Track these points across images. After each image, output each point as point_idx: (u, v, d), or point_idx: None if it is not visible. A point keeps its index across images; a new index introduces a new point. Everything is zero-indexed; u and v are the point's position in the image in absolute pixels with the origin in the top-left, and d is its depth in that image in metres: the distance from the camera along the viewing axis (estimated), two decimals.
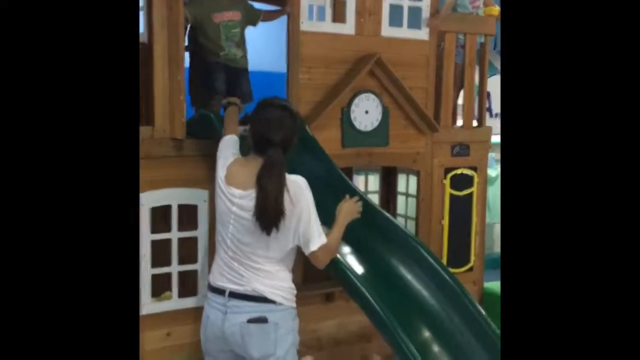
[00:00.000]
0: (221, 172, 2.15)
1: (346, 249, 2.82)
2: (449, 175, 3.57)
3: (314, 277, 3.18)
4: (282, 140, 2.07)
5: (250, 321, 2.05)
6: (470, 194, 3.65)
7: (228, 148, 2.22)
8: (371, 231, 2.80)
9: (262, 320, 2.05)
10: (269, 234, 2.01)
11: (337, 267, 2.43)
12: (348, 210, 2.26)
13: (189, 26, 2.85)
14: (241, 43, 2.95)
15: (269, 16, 3.16)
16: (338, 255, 2.46)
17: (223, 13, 2.86)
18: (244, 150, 2.29)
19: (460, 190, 3.61)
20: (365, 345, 3.32)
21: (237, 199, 2.07)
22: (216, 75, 2.82)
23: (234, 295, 2.08)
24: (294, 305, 2.18)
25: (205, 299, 2.23)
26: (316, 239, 2.08)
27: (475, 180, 3.67)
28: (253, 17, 3.06)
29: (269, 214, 1.98)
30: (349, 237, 2.70)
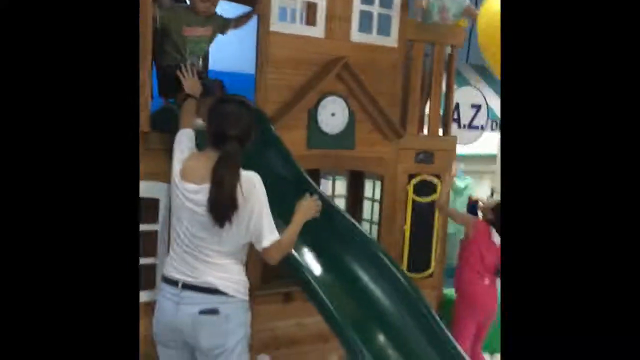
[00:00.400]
0: (177, 166, 2.17)
1: (305, 250, 2.84)
2: (413, 181, 3.63)
3: (272, 276, 3.21)
4: (238, 134, 2.09)
5: (202, 312, 2.07)
6: (434, 201, 3.71)
7: (184, 142, 2.24)
8: (331, 233, 2.83)
9: (214, 311, 2.07)
10: (222, 226, 2.03)
11: (294, 268, 2.46)
12: (306, 208, 2.29)
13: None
14: (204, 56, 2.98)
15: (239, 22, 3.19)
16: (297, 256, 2.49)
17: (195, 28, 2.89)
18: (202, 144, 2.31)
19: (424, 197, 3.67)
20: (323, 346, 3.34)
21: (191, 194, 2.09)
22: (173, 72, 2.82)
23: (186, 286, 2.10)
24: (246, 298, 2.20)
25: (159, 290, 2.24)
26: (268, 235, 2.10)
27: (438, 188, 3.73)
28: (223, 27, 3.09)
29: (222, 206, 2.00)
30: (308, 237, 2.73)
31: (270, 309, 3.22)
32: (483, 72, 7.72)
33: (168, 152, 2.81)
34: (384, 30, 3.39)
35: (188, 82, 2.59)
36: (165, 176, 2.83)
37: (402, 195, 3.63)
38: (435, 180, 3.72)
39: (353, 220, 2.93)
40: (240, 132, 2.09)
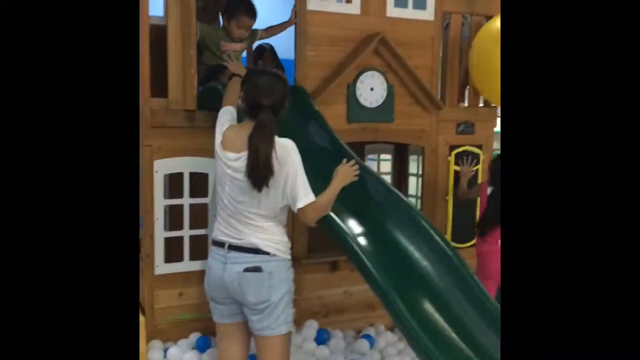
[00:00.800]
0: (218, 138, 2.32)
1: (350, 219, 2.93)
2: (454, 152, 3.69)
3: (319, 246, 3.35)
4: (272, 104, 2.21)
5: (246, 270, 2.23)
6: (476, 171, 3.75)
7: (224, 116, 2.39)
8: (374, 203, 2.91)
9: (258, 269, 2.23)
10: (259, 191, 2.17)
11: (340, 236, 2.55)
12: (343, 173, 2.40)
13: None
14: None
15: (269, 31, 3.38)
16: (342, 225, 2.57)
17: (232, 44, 3.13)
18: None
19: (463, 166, 3.71)
20: (369, 314, 3.46)
21: (231, 162, 2.24)
22: (216, 70, 3.02)
23: (232, 247, 2.25)
24: (288, 257, 2.34)
25: (209, 252, 2.40)
26: (302, 197, 2.22)
27: (481, 157, 3.77)
28: (253, 39, 3.34)
29: (259, 172, 2.15)
30: (352, 207, 2.83)
31: (317, 278, 3.36)
32: None
33: (213, 129, 2.99)
34: (419, 3, 3.44)
35: (232, 65, 2.75)
36: (211, 152, 3.01)
37: (444, 167, 3.69)
38: (476, 151, 3.76)
39: (397, 191, 3.00)
40: (274, 101, 2.21)
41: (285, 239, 2.34)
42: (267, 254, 2.26)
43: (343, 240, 2.52)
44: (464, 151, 3.71)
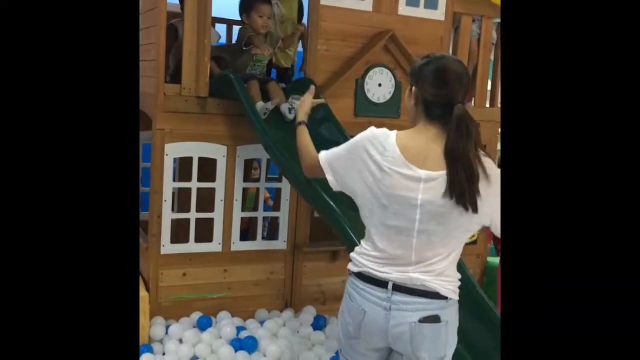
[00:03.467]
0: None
1: (352, 214, 3.02)
2: None
3: (320, 236, 3.44)
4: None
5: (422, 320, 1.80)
6: None
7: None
8: None
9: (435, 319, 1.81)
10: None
11: (340, 228, 2.63)
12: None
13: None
14: (264, 69, 3.31)
15: (285, 41, 3.44)
16: (343, 217, 2.62)
17: (263, 46, 3.17)
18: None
19: None
20: None
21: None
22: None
23: (398, 289, 1.83)
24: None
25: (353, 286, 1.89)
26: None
27: None
28: (276, 44, 3.36)
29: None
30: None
31: (317, 266, 3.45)
32: None
33: (225, 117, 3.10)
34: (431, 3, 3.52)
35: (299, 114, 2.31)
36: (222, 139, 3.12)
37: None
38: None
39: None
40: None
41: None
42: (445, 298, 1.81)
43: (345, 234, 2.61)
44: None
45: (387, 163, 1.72)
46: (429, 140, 1.74)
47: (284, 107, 3.01)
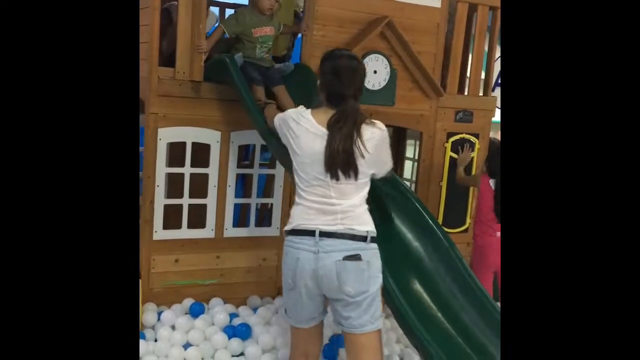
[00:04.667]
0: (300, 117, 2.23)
1: None
2: (451, 139, 3.76)
3: None
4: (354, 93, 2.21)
5: (346, 259, 2.14)
6: (471, 159, 3.83)
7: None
8: (380, 191, 2.98)
9: (357, 257, 2.15)
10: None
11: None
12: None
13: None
14: (270, 50, 3.18)
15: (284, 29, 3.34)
16: None
17: (262, 28, 3.07)
18: None
19: (460, 154, 3.79)
20: None
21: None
22: (250, 69, 2.99)
23: (325, 234, 2.17)
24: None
25: (287, 242, 2.24)
26: None
27: (477, 146, 3.84)
28: (279, 28, 3.23)
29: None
30: None
31: None
32: None
33: (219, 102, 3.06)
34: None
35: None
36: (216, 124, 3.08)
37: (440, 153, 3.76)
38: (473, 139, 3.83)
39: (399, 178, 3.07)
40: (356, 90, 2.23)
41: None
42: (364, 240, 2.18)
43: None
44: (461, 139, 3.79)
45: (303, 127, 2.18)
46: (327, 117, 2.16)
47: None
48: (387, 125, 3.86)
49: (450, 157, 3.79)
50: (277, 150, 2.66)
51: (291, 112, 2.25)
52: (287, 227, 2.24)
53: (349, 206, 2.17)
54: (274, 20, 3.12)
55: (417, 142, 3.83)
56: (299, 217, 2.20)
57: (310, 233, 2.15)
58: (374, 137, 2.19)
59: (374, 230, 2.21)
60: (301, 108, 2.24)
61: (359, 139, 2.13)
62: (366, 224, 2.20)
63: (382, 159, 2.26)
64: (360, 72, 2.24)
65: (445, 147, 3.77)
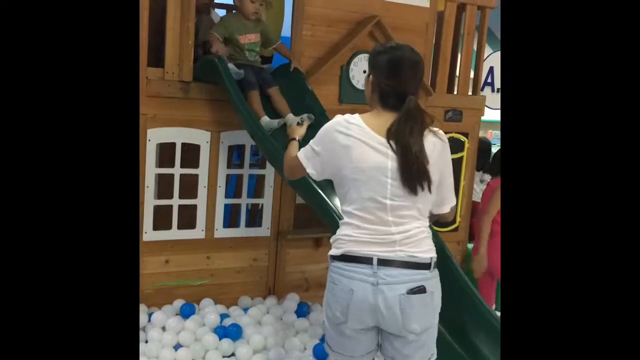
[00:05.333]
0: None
1: (335, 197, 3.02)
2: None
3: (304, 223, 3.43)
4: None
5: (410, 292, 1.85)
6: (460, 158, 3.85)
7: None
8: None
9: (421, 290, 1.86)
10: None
11: (326, 215, 2.62)
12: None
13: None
14: (260, 54, 3.16)
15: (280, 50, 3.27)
16: (330, 203, 2.62)
17: (247, 35, 3.05)
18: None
19: (452, 154, 3.80)
20: None
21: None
22: (247, 71, 2.97)
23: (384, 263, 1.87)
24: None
25: (336, 270, 1.90)
26: None
27: (466, 145, 3.86)
28: (267, 42, 3.17)
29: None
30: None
31: (300, 253, 3.45)
32: None
33: (209, 102, 3.05)
34: None
35: (291, 130, 2.37)
36: (206, 124, 3.08)
37: None
38: (462, 138, 3.85)
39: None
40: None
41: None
42: (428, 268, 1.87)
43: (329, 217, 2.60)
44: (449, 138, 3.79)
45: (353, 138, 1.81)
46: (384, 123, 1.82)
47: (292, 121, 2.81)
48: None
49: None
50: (271, 156, 2.68)
51: (335, 122, 1.86)
52: (335, 252, 1.90)
53: (408, 230, 1.85)
54: (260, 26, 3.10)
55: None
56: (350, 242, 1.86)
57: (367, 260, 1.83)
58: (435, 148, 1.85)
59: (436, 255, 1.92)
60: (347, 115, 1.87)
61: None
62: (429, 250, 1.89)
63: (445, 184, 1.91)
64: (422, 67, 1.91)
65: None
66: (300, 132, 2.29)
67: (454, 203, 1.99)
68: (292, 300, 3.25)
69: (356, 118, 1.85)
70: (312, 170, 1.93)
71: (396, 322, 1.84)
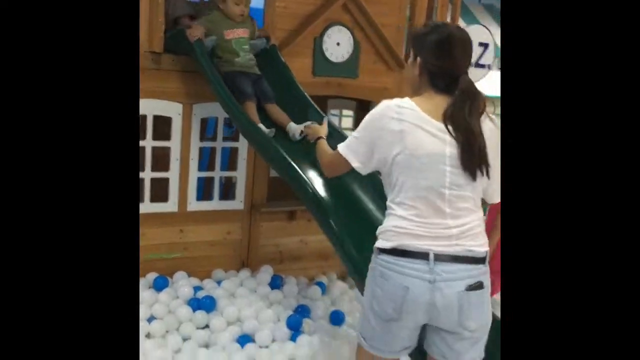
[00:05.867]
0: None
1: (311, 172, 3.02)
2: None
3: (278, 196, 3.44)
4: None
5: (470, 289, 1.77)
6: None
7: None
8: None
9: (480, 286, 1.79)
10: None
11: (301, 186, 2.64)
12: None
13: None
14: (251, 51, 3.02)
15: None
16: (303, 175, 2.63)
17: (234, 30, 2.94)
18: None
19: None
20: (323, 263, 3.58)
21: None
22: (241, 80, 2.87)
23: (442, 259, 1.77)
24: None
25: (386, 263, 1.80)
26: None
27: None
28: (253, 33, 3.08)
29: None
30: (315, 160, 2.93)
31: (275, 226, 3.46)
32: (493, 11, 7.71)
33: (181, 74, 3.02)
34: None
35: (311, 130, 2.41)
36: (178, 96, 3.04)
37: None
38: None
39: None
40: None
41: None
42: (484, 262, 1.80)
43: (303, 189, 2.62)
44: None
45: (407, 121, 1.70)
46: (437, 106, 1.72)
47: (295, 130, 2.81)
48: (351, 99, 3.94)
49: None
50: (254, 140, 2.68)
51: (385, 107, 1.76)
52: (384, 245, 1.79)
53: (466, 224, 1.77)
54: (247, 22, 3.01)
55: None
56: (403, 234, 1.76)
57: (422, 255, 1.73)
58: (492, 135, 1.76)
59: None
60: (396, 99, 1.77)
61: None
62: (485, 244, 1.81)
63: (497, 175, 1.78)
64: (471, 45, 1.81)
65: None
66: (324, 130, 2.27)
67: (499, 193, 1.84)
68: (266, 273, 3.26)
69: (408, 102, 1.75)
70: (358, 164, 1.83)
71: (452, 319, 1.76)
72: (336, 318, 2.97)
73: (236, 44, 2.93)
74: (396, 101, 1.76)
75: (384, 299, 1.78)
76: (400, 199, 1.77)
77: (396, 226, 1.76)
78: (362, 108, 4.15)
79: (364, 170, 1.85)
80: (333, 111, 4.41)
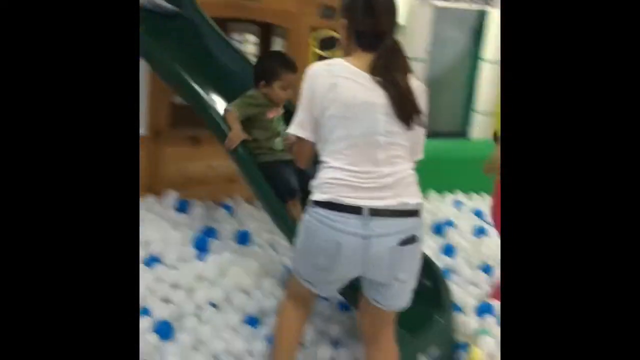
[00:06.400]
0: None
1: (214, 95, 3.02)
2: (314, 34, 3.82)
3: (182, 121, 3.42)
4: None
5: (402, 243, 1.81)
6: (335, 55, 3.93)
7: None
8: (239, 79, 3.01)
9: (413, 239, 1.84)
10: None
11: (203, 108, 2.66)
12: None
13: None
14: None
15: None
16: (205, 98, 2.65)
17: (275, 110, 2.74)
18: None
19: (326, 51, 3.88)
20: (229, 186, 3.63)
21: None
22: (286, 173, 2.64)
23: (376, 213, 1.80)
24: None
25: (314, 215, 1.83)
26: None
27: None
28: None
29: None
30: (216, 81, 2.94)
31: (179, 151, 3.45)
32: None
33: None
34: None
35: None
36: None
37: (306, 49, 3.82)
38: (338, 35, 3.91)
39: None
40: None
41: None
42: (417, 214, 1.84)
43: (206, 114, 2.64)
44: (328, 36, 3.86)
45: (338, 76, 1.78)
46: (367, 63, 1.81)
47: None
48: (253, 22, 3.90)
49: (316, 53, 3.86)
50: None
51: (314, 69, 1.83)
52: (320, 197, 1.80)
53: (399, 172, 1.80)
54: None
55: (284, 40, 3.85)
56: (339, 185, 1.78)
57: (356, 210, 1.75)
58: (419, 90, 1.87)
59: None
60: (324, 61, 1.89)
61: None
62: (417, 195, 1.85)
63: (421, 131, 1.90)
64: (397, 7, 1.88)
65: (310, 43, 3.83)
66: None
67: (422, 151, 1.94)
68: (171, 197, 3.28)
69: (338, 60, 1.84)
70: (308, 134, 1.86)
71: (384, 273, 1.81)
72: (243, 238, 3.06)
73: (277, 122, 2.75)
74: (325, 61, 1.87)
75: (316, 252, 1.83)
76: (334, 147, 1.81)
77: (331, 177, 1.80)
78: (264, 32, 4.13)
79: (314, 138, 1.87)
80: (236, 37, 4.35)
